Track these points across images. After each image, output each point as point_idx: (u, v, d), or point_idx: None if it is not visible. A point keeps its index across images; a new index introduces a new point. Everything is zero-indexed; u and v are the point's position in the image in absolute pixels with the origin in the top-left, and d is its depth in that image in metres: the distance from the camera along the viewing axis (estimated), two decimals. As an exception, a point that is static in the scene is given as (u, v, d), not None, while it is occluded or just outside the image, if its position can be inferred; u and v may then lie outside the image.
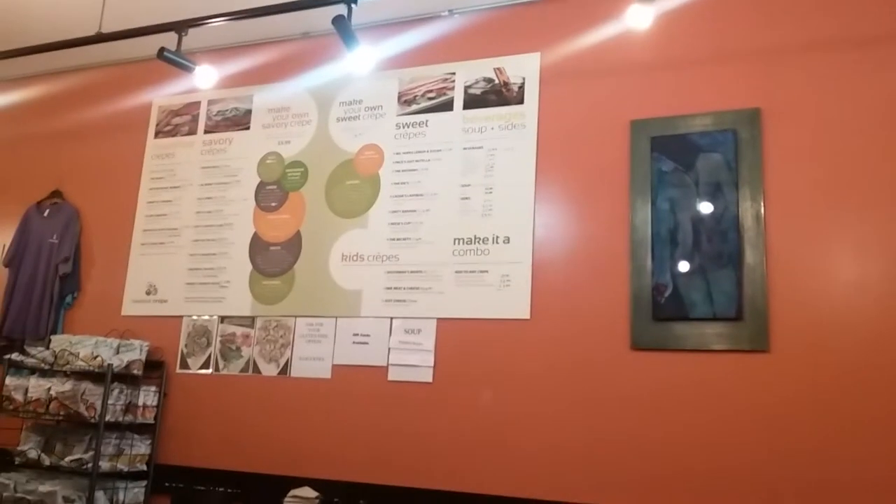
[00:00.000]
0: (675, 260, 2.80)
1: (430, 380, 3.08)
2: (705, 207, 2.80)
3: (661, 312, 2.77)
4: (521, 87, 3.24)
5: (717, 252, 2.74)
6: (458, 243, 3.18)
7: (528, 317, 2.98)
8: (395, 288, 3.24)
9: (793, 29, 2.86)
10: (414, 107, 3.43)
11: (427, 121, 3.39)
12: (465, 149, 3.28)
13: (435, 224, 3.24)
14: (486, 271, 3.10)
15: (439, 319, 3.13)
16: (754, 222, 2.72)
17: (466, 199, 3.21)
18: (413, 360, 3.12)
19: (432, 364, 3.09)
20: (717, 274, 2.72)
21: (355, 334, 3.26)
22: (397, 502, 2.99)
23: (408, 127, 3.42)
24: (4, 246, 4.05)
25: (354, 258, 3.35)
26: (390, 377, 3.15)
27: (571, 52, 3.18)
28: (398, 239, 3.29)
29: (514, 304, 3.01)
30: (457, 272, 3.15)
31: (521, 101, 3.22)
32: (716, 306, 2.70)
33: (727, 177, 2.79)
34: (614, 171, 2.98)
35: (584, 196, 3.03)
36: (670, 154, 2.89)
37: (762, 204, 2.73)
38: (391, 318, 3.21)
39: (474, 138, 3.27)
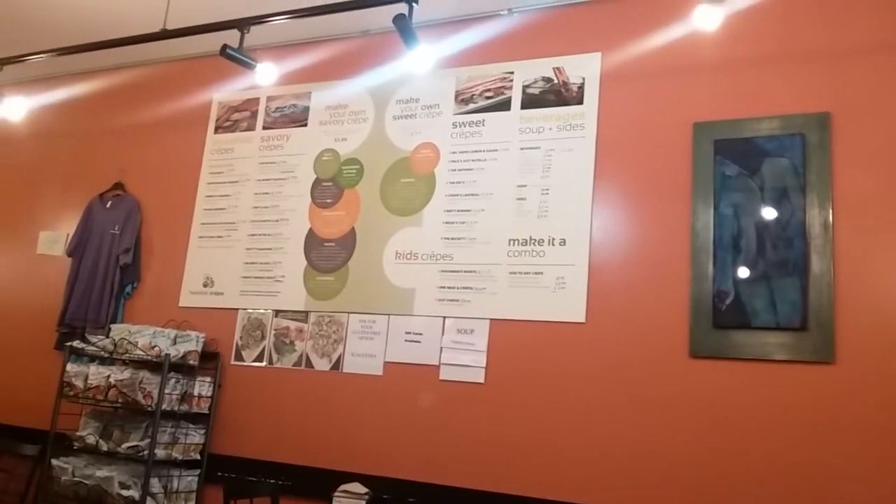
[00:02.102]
0: (737, 266, 2.73)
1: (482, 380, 3.07)
2: (770, 213, 2.73)
3: (722, 320, 2.70)
4: (581, 88, 3.20)
5: (781, 259, 2.67)
6: (513, 244, 3.15)
7: (583, 320, 2.94)
8: (449, 287, 3.23)
9: (864, 31, 2.76)
10: (471, 106, 3.42)
11: (484, 120, 3.37)
12: (521, 149, 3.25)
13: (490, 224, 3.22)
14: (541, 273, 3.07)
15: (492, 320, 3.11)
16: (822, 229, 2.64)
17: (522, 199, 3.19)
18: (465, 360, 3.11)
19: (484, 365, 3.08)
20: (782, 282, 2.65)
21: (408, 332, 3.27)
22: (446, 501, 2.99)
23: (464, 126, 3.41)
24: (68, 236, 4.17)
25: (408, 256, 3.35)
26: (442, 376, 3.15)
27: (633, 52, 3.13)
28: (452, 238, 3.29)
29: (569, 307, 2.98)
30: (511, 273, 3.12)
31: (580, 102, 3.18)
32: (779, 315, 2.63)
33: (794, 182, 2.71)
34: (675, 174, 2.92)
35: (643, 199, 2.98)
36: (735, 158, 2.82)
37: (830, 211, 2.64)
38: (444, 318, 3.20)
39: (531, 138, 3.24)
